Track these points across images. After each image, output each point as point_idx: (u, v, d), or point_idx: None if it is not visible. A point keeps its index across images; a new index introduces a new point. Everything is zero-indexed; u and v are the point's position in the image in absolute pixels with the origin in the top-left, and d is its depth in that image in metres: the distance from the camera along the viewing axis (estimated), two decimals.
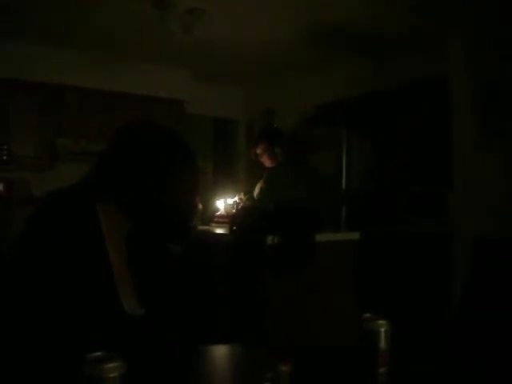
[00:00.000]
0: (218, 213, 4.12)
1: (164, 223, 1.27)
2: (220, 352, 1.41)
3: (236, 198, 4.04)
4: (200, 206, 3.17)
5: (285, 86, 5.85)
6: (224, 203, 4.13)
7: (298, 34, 4.42)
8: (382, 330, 0.98)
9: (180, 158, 1.26)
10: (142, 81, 5.36)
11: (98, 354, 0.76)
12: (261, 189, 3.46)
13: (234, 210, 3.91)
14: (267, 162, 3.54)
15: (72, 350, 0.94)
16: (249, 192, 3.88)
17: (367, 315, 1.00)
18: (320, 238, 3.35)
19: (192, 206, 1.34)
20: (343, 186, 4.92)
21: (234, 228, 3.34)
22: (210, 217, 4.13)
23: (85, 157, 4.73)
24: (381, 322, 0.99)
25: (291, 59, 5.18)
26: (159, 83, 5.48)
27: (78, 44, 4.83)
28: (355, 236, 3.71)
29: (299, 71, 5.52)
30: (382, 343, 0.98)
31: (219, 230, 3.68)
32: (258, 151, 3.56)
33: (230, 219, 3.60)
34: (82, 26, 4.32)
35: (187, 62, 5.42)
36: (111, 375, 0.74)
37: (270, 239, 3.17)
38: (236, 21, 4.17)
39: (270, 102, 6.07)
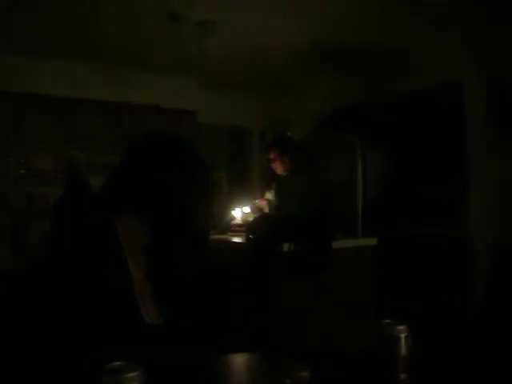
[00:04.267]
0: (234, 222, 4.13)
1: (180, 229, 1.28)
2: (238, 360, 1.40)
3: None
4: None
5: (297, 93, 5.85)
6: (240, 212, 4.14)
7: (310, 42, 4.43)
8: (402, 335, 0.97)
9: (190, 161, 1.28)
10: (154, 92, 5.39)
11: (117, 363, 0.76)
12: (274, 197, 3.49)
13: (250, 219, 3.92)
14: (278, 168, 3.59)
15: (91, 361, 0.94)
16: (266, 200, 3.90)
17: (387, 320, 0.99)
18: (338, 244, 3.34)
19: (207, 211, 1.34)
20: (359, 192, 4.90)
21: (251, 236, 3.35)
22: (227, 226, 4.14)
23: (99, 170, 4.77)
24: (401, 327, 0.97)
25: (303, 67, 5.18)
26: (171, 94, 5.51)
27: (90, 57, 4.89)
28: (373, 242, 3.69)
29: (312, 79, 5.52)
30: (403, 349, 0.96)
31: (236, 239, 3.68)
32: (271, 157, 3.61)
33: (246, 228, 3.61)
34: (94, 38, 4.37)
35: (199, 72, 5.44)
36: None
37: (286, 246, 3.17)
38: (247, 31, 4.19)
39: (283, 110, 6.07)
